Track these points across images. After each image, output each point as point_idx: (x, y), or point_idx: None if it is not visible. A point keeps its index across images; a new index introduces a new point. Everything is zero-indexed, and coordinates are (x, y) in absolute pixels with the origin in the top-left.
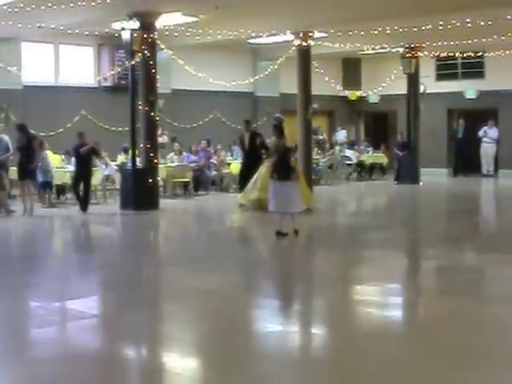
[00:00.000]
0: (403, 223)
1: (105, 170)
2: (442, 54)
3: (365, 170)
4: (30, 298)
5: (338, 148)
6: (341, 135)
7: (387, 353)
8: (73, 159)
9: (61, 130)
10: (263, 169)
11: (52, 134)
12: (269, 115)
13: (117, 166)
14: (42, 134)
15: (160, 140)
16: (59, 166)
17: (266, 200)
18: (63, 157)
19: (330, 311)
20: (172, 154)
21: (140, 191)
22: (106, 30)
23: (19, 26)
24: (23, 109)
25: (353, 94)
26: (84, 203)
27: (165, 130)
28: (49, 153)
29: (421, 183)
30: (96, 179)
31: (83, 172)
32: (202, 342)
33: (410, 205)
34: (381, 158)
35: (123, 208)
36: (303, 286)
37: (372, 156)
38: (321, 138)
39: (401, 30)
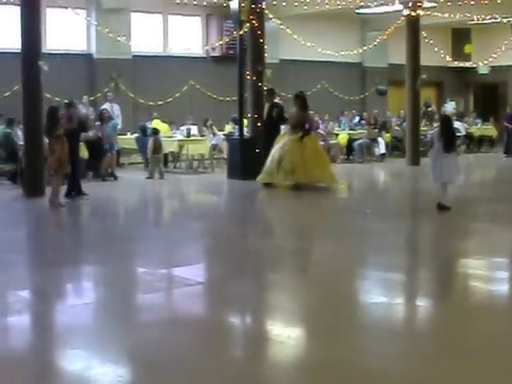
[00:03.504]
0: None
1: (212, 139)
2: None
3: (473, 143)
4: (137, 265)
5: None
6: (449, 107)
7: (493, 327)
8: None
9: (169, 99)
10: (286, 145)
11: (161, 103)
12: (376, 86)
13: (224, 135)
14: (151, 103)
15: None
16: (167, 135)
17: (303, 180)
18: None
19: (436, 284)
20: None
21: (247, 160)
22: (215, 0)
23: None
24: (132, 78)
25: (468, 47)
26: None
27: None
28: (158, 121)
29: None
30: (204, 148)
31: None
32: (306, 311)
33: None
34: (490, 130)
35: (230, 177)
36: (408, 257)
37: (481, 128)
38: (429, 109)
39: None
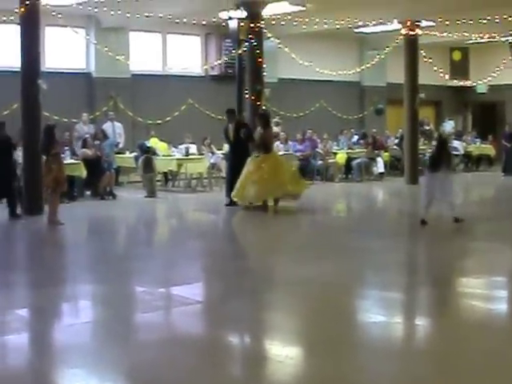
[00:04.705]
0: (511, 216)
1: (211, 158)
2: None
3: (472, 161)
4: (135, 284)
5: None
6: (448, 126)
7: (491, 345)
8: None
9: (168, 118)
10: (248, 165)
11: (159, 122)
12: (374, 105)
13: (223, 154)
14: (150, 121)
15: (275, 130)
16: (165, 154)
17: (250, 196)
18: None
19: (435, 303)
20: (278, 142)
21: None
22: (214, 20)
23: (128, 15)
24: (131, 97)
25: (456, 54)
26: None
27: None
28: (155, 140)
29: None
30: (202, 167)
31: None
32: (305, 330)
33: None
34: (488, 149)
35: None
36: (408, 276)
37: (479, 147)
38: (427, 128)
39: (510, 18)
